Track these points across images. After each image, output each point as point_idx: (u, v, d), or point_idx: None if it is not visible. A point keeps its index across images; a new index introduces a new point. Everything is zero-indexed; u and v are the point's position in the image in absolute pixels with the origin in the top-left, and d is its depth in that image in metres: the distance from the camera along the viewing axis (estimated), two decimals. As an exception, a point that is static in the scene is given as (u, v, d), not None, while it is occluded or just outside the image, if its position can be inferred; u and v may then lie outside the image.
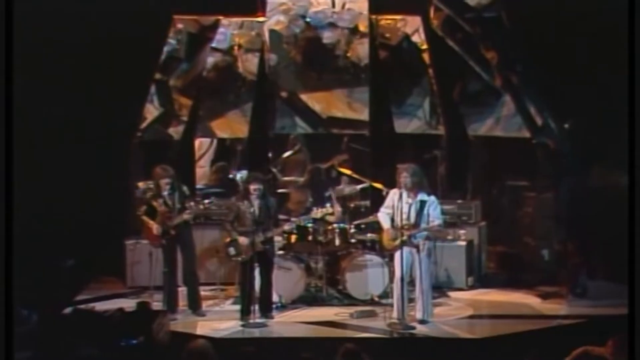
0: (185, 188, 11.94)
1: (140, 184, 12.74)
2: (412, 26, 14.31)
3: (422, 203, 11.00)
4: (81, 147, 12.77)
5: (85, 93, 12.69)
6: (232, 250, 11.53)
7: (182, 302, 11.88)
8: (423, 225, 10.95)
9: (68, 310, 10.55)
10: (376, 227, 11.94)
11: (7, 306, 7.76)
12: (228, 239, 11.54)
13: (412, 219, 10.96)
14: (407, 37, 14.36)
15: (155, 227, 11.67)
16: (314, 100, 14.36)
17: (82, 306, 10.90)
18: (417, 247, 11.00)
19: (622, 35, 11.84)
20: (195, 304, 11.85)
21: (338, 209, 12.63)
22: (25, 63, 12.25)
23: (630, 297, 7.90)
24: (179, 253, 11.79)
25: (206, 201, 12.77)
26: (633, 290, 7.90)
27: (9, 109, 11.75)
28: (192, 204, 11.83)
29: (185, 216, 11.76)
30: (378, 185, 12.54)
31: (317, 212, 12.18)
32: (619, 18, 11.84)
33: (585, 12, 12.21)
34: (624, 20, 11.79)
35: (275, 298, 11.78)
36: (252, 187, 11.55)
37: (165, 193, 11.69)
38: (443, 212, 11.38)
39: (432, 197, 11.18)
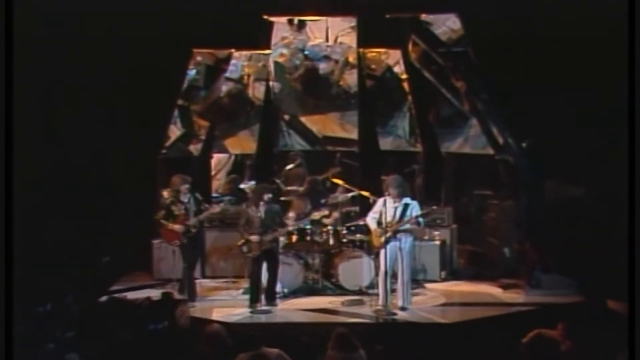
0: (198, 194, 12.00)
1: (165, 193, 12.79)
2: (393, 58, 14.26)
3: (406, 205, 11.17)
4: (116, 163, 12.82)
5: (122, 117, 12.74)
6: (245, 249, 11.58)
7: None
8: (405, 220, 11.11)
9: (104, 298, 10.61)
10: (364, 229, 11.97)
11: (7, 306, 7.64)
12: (242, 240, 11.56)
13: (397, 218, 11.09)
14: (389, 68, 14.31)
15: (177, 227, 11.75)
16: (312, 122, 14.37)
17: (116, 295, 10.95)
18: (399, 243, 11.08)
19: (571, 64, 12.06)
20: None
21: (336, 215, 12.70)
22: (69, 91, 12.49)
23: (630, 298, 7.80)
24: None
25: (221, 203, 12.83)
26: (633, 291, 7.79)
27: (63, 134, 11.91)
28: (206, 205, 11.93)
29: (216, 209, 12.06)
30: (366, 194, 12.58)
31: (315, 215, 12.30)
32: (569, 51, 12.07)
33: (539, 45, 12.34)
34: (573, 52, 12.01)
35: (278, 289, 11.83)
36: (260, 195, 11.63)
37: (184, 199, 11.76)
38: (422, 214, 11.38)
39: (415, 202, 11.34)
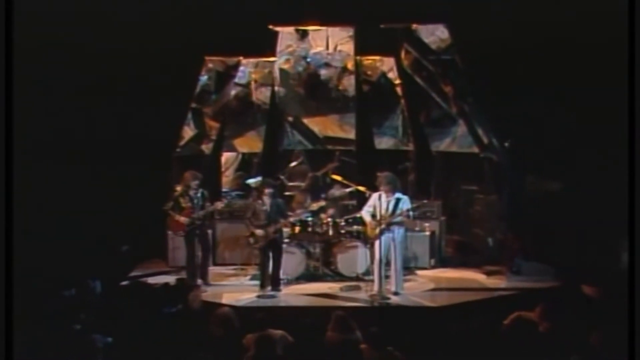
0: (205, 192, 12.00)
1: (178, 188, 12.83)
2: (387, 65, 14.19)
3: (398, 200, 11.23)
4: (135, 161, 12.84)
5: (140, 119, 12.77)
6: (251, 240, 11.63)
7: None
8: (397, 213, 11.16)
9: (125, 283, 10.65)
10: (361, 221, 12.00)
11: (7, 306, 7.56)
12: (249, 233, 11.60)
13: (390, 211, 11.15)
14: (384, 74, 14.25)
15: (182, 219, 11.78)
16: (313, 123, 14.30)
17: (136, 280, 10.99)
18: (392, 234, 11.15)
19: (548, 71, 12.15)
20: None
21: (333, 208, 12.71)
22: (90, 96, 12.57)
23: (631, 298, 7.73)
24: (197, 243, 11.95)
25: (225, 200, 12.87)
26: (633, 291, 7.73)
27: (85, 137, 11.97)
28: (208, 204, 11.95)
29: (219, 206, 12.03)
30: (362, 189, 12.58)
31: (313, 206, 12.33)
32: (547, 58, 12.14)
33: (520, 53, 12.37)
34: (551, 60, 12.09)
35: (282, 275, 11.85)
36: (265, 190, 11.68)
37: (192, 193, 11.78)
38: (412, 208, 11.49)
39: (405, 196, 11.40)
